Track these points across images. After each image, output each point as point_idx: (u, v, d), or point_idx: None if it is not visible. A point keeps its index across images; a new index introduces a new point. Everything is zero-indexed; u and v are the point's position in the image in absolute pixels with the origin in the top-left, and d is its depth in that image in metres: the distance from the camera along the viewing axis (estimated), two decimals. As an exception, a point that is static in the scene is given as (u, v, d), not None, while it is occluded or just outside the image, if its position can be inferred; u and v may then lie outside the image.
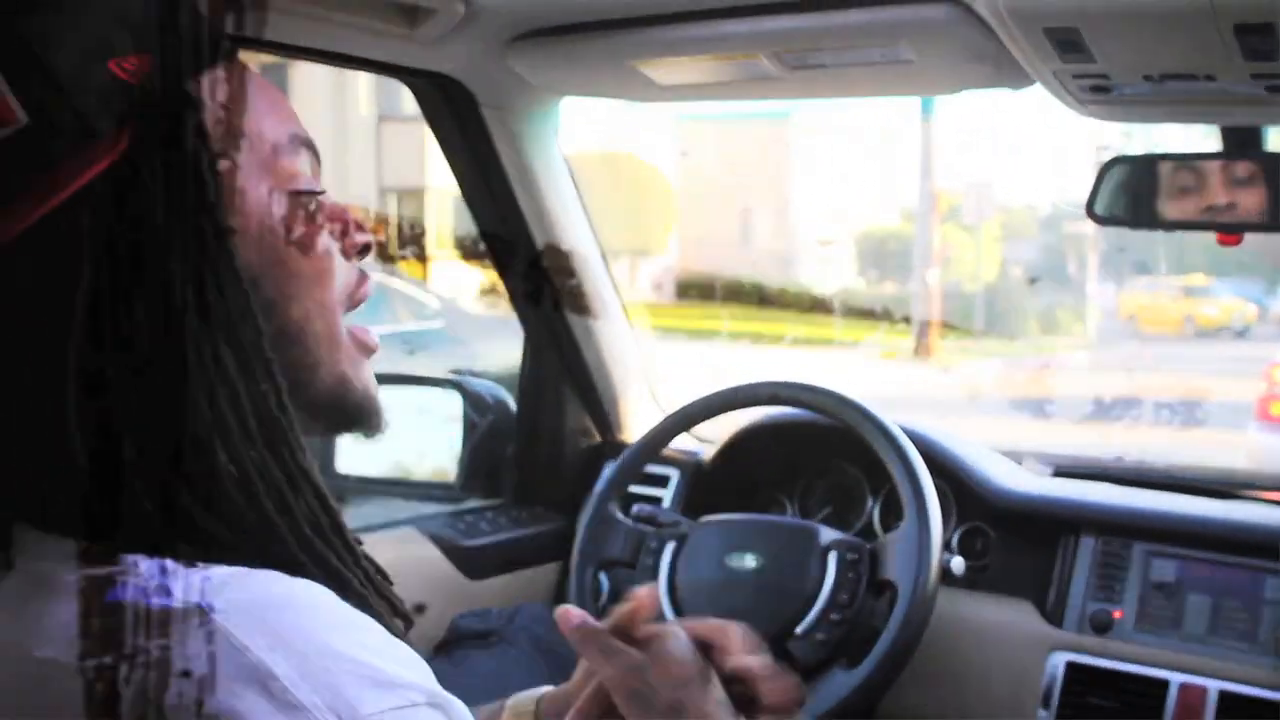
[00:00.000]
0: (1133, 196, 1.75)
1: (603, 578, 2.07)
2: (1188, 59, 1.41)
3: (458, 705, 0.80)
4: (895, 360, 16.85)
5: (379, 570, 0.89)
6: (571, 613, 1.05)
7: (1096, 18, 1.34)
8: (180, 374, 0.80)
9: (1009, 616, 1.97)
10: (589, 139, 23.56)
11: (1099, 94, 1.53)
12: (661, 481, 2.32)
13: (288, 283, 0.88)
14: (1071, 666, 1.89)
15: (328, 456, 2.39)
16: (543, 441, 2.35)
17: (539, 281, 2.16)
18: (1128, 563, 1.92)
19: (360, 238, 0.95)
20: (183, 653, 0.73)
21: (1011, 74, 1.56)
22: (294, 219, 0.89)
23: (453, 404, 2.40)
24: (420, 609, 0.94)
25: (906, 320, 18.16)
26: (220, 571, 0.77)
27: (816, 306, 22.69)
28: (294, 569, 0.81)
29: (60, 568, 0.78)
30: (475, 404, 2.40)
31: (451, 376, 2.44)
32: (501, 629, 2.00)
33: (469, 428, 2.38)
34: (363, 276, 0.96)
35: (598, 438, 2.43)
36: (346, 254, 0.94)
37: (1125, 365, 16.41)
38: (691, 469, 2.33)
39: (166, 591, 0.75)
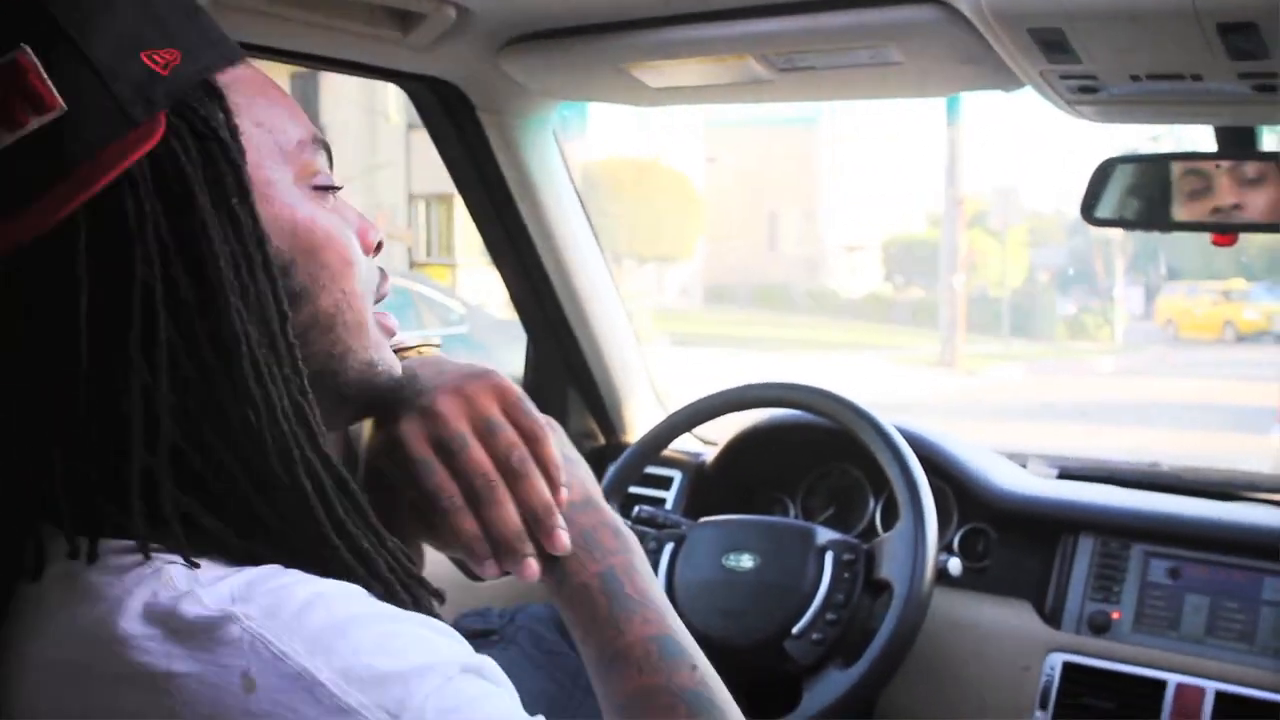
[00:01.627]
0: (1133, 198, 1.76)
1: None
2: (1173, 59, 1.41)
3: (489, 664, 0.81)
4: (921, 365, 16.86)
5: (405, 552, 0.89)
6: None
7: (1079, 18, 1.35)
8: (224, 357, 0.81)
9: (1007, 617, 1.97)
10: (615, 145, 23.65)
11: (1087, 94, 1.53)
12: (664, 483, 2.33)
13: (319, 273, 0.90)
14: (1069, 667, 1.89)
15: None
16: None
17: (540, 285, 2.17)
18: (1126, 563, 1.92)
19: (374, 235, 0.96)
20: (219, 663, 0.73)
21: (1001, 75, 1.56)
22: (320, 212, 0.91)
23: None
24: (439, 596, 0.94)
25: (932, 325, 18.13)
26: (247, 575, 0.78)
27: (843, 311, 22.68)
28: (327, 553, 0.82)
29: (89, 571, 0.79)
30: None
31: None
32: (502, 628, 2.01)
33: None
34: (382, 274, 0.98)
35: (602, 440, 2.44)
36: (365, 248, 0.95)
37: (1153, 369, 16.34)
38: (694, 470, 2.34)
39: (197, 599, 0.75)
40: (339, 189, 0.94)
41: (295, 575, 0.79)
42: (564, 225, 2.12)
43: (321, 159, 0.93)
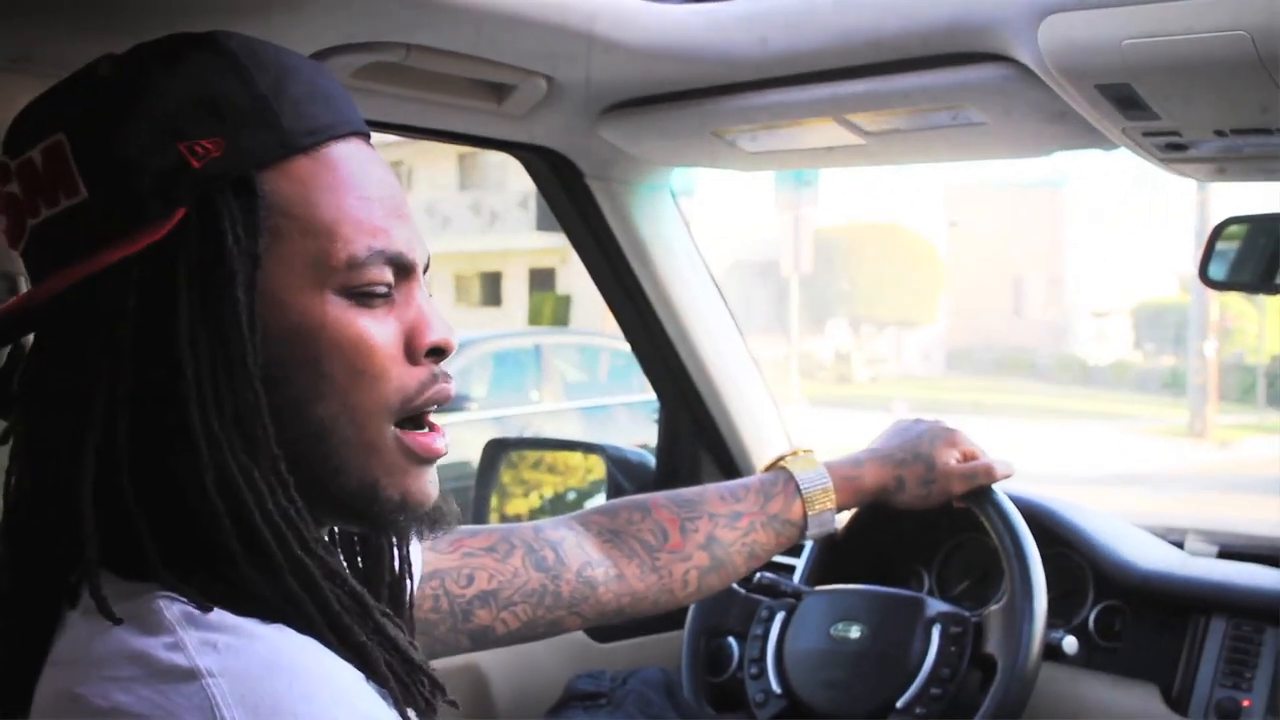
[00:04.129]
0: (1249, 259, 1.67)
1: (733, 642, 2.06)
2: (1253, 112, 1.34)
3: None
4: (1170, 436, 16.14)
5: (410, 643, 0.91)
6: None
7: (1144, 73, 1.30)
8: (190, 458, 0.83)
9: (1131, 700, 1.87)
10: (853, 209, 23.53)
11: (1176, 152, 1.47)
12: (795, 550, 2.30)
13: (317, 383, 0.88)
14: (1193, 756, 1.78)
15: (482, 513, 2.48)
16: (679, 509, 2.36)
17: (664, 350, 2.18)
18: (1260, 648, 1.80)
19: (431, 339, 0.92)
20: (165, 708, 0.77)
21: (1092, 134, 1.51)
22: (340, 318, 0.88)
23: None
24: (453, 704, 0.95)
25: (1183, 394, 17.35)
26: (235, 629, 0.80)
27: (1089, 379, 21.93)
28: (325, 642, 0.84)
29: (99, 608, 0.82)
30: (622, 469, 2.43)
31: (595, 442, 2.48)
32: (611, 692, 2.02)
33: (614, 491, 2.42)
34: (433, 379, 0.93)
35: (738, 505, 2.42)
36: (413, 355, 0.92)
37: None
38: (825, 538, 2.29)
39: (178, 647, 0.79)
40: (384, 294, 0.90)
41: (274, 636, 0.82)
42: (685, 290, 2.12)
43: (379, 271, 0.89)
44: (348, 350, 0.88)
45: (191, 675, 0.77)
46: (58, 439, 0.85)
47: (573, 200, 1.99)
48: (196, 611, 0.81)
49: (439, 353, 0.92)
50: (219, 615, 0.81)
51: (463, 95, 1.65)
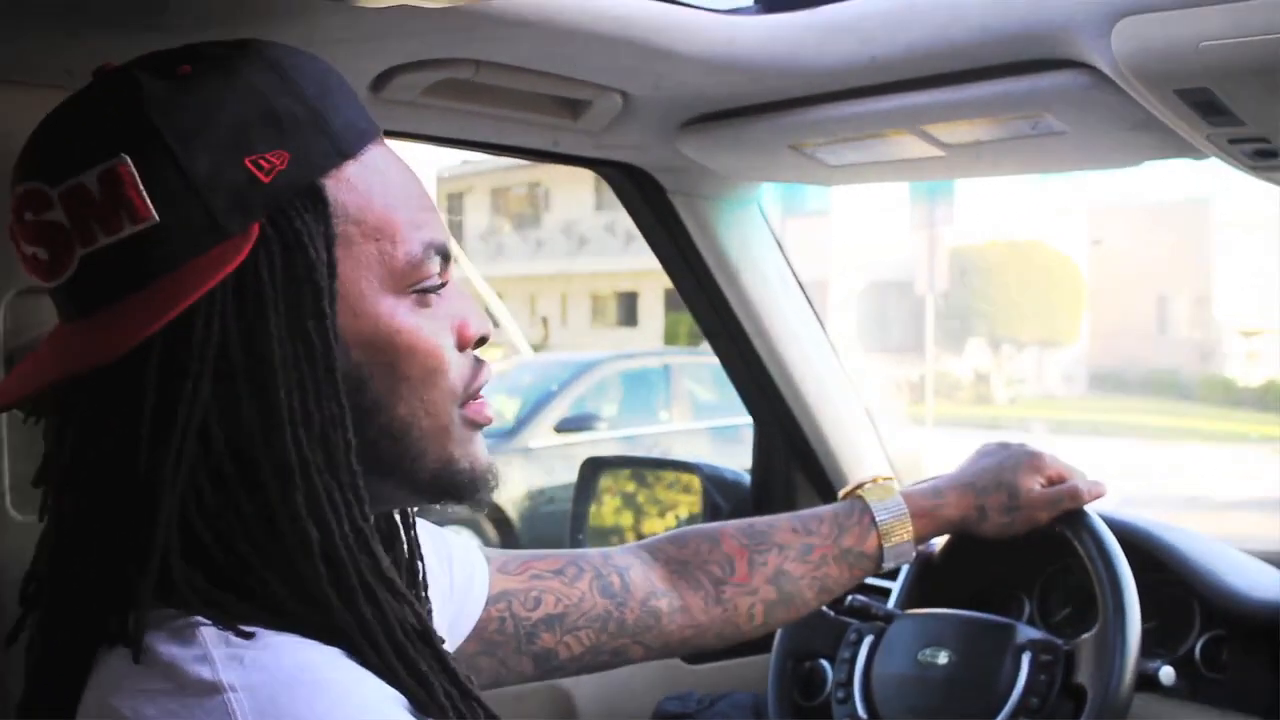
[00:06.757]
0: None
1: (826, 665, 2.02)
2: (1344, 116, 1.28)
3: None
4: (1323, 460, 15.56)
5: (466, 681, 0.90)
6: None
7: (1224, 76, 1.24)
8: (281, 481, 0.83)
9: (1233, 735, 1.79)
10: (993, 228, 23.15)
11: (1266, 159, 1.40)
12: (891, 573, 2.24)
13: (396, 385, 0.90)
14: (1295, 794, 1.69)
15: (581, 535, 2.47)
16: (774, 529, 2.33)
17: (754, 367, 2.15)
18: (1371, 683, 1.71)
19: (475, 329, 0.96)
20: None
21: (1178, 142, 1.45)
22: (409, 321, 0.90)
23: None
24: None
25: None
26: (264, 644, 0.80)
27: (1238, 400, 21.22)
28: (387, 674, 0.84)
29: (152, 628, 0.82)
30: (718, 487, 2.40)
31: (691, 460, 2.46)
32: (699, 714, 1.99)
33: (710, 512, 2.39)
34: (478, 365, 0.97)
35: (835, 526, 2.37)
36: (462, 345, 0.95)
37: None
38: (923, 561, 2.24)
39: (205, 660, 0.79)
40: (441, 287, 0.93)
41: (298, 650, 0.81)
42: (775, 307, 2.09)
43: (433, 264, 0.92)
44: (420, 351, 0.90)
45: (214, 689, 0.77)
46: (124, 468, 0.83)
47: (656, 216, 1.98)
48: (232, 634, 0.81)
49: (482, 342, 0.97)
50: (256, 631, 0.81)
51: (537, 111, 1.64)
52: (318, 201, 0.86)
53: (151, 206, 0.82)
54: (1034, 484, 1.59)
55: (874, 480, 1.57)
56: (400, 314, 0.90)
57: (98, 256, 0.83)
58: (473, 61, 1.46)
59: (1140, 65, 1.27)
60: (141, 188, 0.82)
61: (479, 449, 0.97)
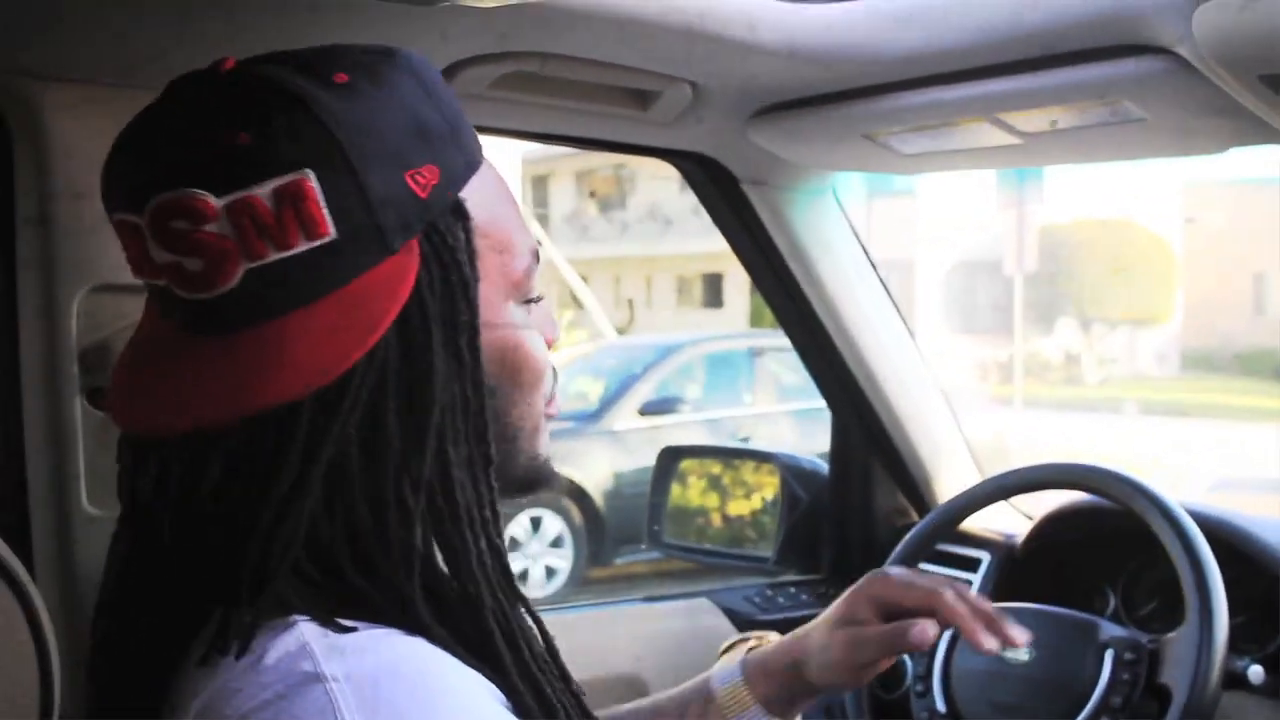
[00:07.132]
0: None
1: (907, 659, 1.99)
2: None
3: None
4: None
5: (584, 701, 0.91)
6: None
7: (1309, 61, 1.20)
8: (449, 504, 0.84)
9: (1322, 736, 1.74)
10: (1086, 206, 22.79)
11: (1357, 146, 1.36)
12: (971, 564, 2.21)
13: (512, 392, 0.93)
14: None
15: (658, 526, 2.46)
16: (854, 520, 2.31)
17: (831, 358, 2.13)
18: None
19: (554, 334, 0.99)
20: (291, 713, 0.77)
21: (1267, 128, 1.41)
22: (527, 331, 0.93)
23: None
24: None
25: None
26: (366, 636, 0.80)
27: (1338, 381, 20.73)
28: (512, 695, 0.84)
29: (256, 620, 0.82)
30: (796, 477, 2.38)
31: (768, 450, 2.44)
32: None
33: (789, 502, 2.37)
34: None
35: (915, 517, 2.35)
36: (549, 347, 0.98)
37: None
38: (1004, 552, 2.20)
39: (307, 654, 0.79)
40: (541, 299, 0.95)
41: (396, 642, 0.81)
42: (850, 296, 2.07)
43: (536, 273, 0.94)
44: (535, 359, 0.93)
45: (316, 679, 0.77)
46: (262, 480, 0.82)
47: (730, 206, 1.96)
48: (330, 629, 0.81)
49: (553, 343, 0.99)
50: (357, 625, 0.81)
51: (606, 102, 1.63)
52: (463, 216, 0.86)
53: (331, 223, 0.80)
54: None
55: (762, 640, 1.38)
56: (520, 324, 0.92)
57: (263, 271, 0.80)
58: (539, 54, 1.46)
59: (1223, 51, 1.23)
60: (324, 204, 0.80)
61: (547, 441, 1.00)
